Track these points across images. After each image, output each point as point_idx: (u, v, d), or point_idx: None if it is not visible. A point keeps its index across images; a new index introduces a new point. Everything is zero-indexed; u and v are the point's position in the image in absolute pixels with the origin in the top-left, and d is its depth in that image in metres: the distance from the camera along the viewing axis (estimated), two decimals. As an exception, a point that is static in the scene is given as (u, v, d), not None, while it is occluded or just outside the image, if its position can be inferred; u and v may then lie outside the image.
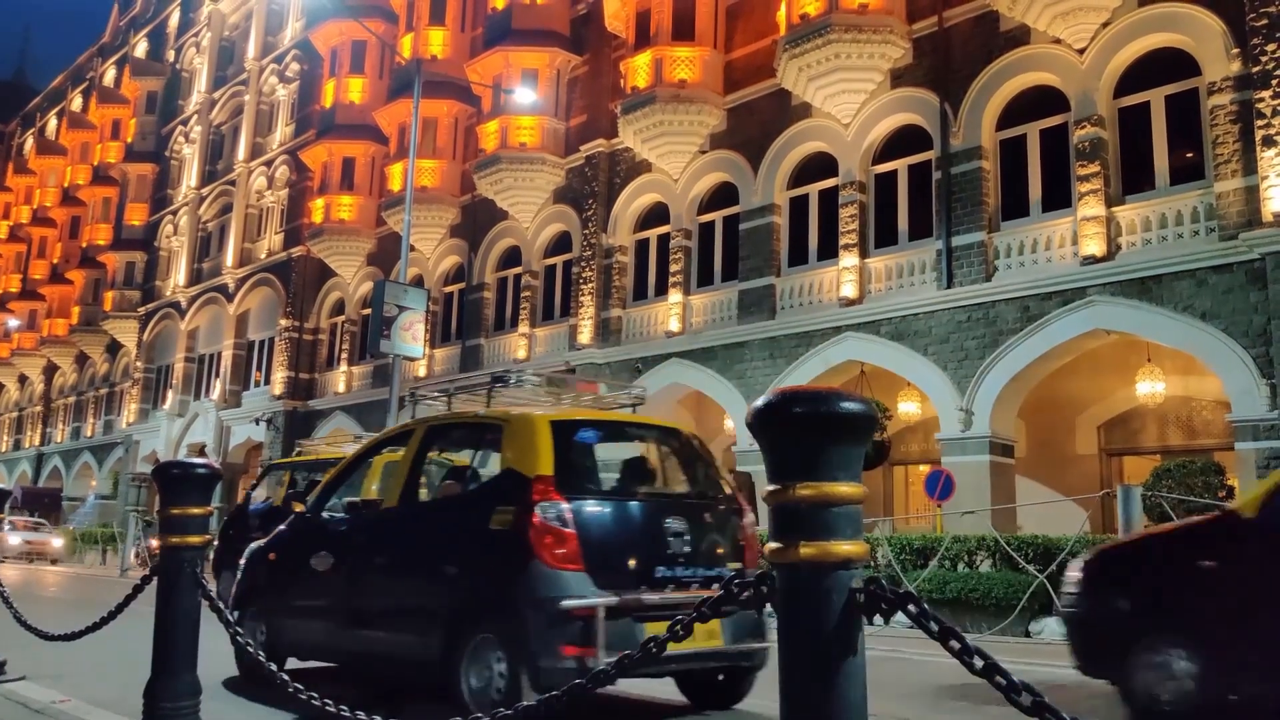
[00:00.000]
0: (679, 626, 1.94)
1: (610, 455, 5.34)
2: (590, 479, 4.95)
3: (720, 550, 4.88)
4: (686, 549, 4.62)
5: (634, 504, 4.89)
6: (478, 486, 5.29)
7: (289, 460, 12.14)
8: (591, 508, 4.56)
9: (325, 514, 5.63)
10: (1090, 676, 5.01)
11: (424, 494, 5.60)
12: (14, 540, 25.45)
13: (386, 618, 4.97)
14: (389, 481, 5.49)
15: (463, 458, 6.29)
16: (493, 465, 5.11)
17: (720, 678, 4.93)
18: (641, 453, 5.35)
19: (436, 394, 5.99)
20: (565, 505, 4.37)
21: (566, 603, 4.19)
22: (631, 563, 4.50)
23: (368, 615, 5.06)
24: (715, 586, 4.45)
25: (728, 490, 5.21)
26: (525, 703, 2.21)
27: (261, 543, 6.08)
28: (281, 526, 6.02)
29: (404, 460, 5.32)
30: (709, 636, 4.47)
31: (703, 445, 5.45)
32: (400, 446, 5.51)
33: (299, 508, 5.86)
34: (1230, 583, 4.60)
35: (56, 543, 26.86)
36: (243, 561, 6.02)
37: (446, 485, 5.57)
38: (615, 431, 5.53)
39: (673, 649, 4.29)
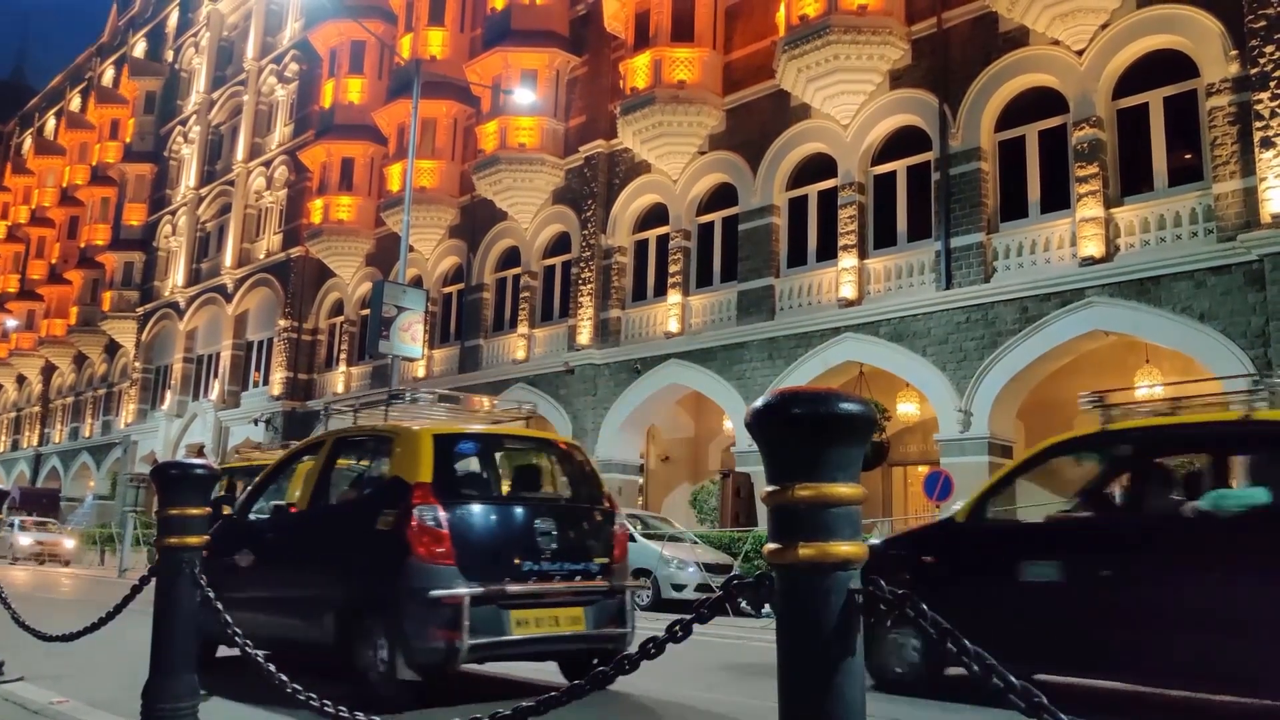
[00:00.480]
0: (678, 628, 1.93)
1: (495, 465, 6.14)
2: (467, 485, 5.58)
3: (587, 547, 5.47)
4: (553, 546, 5.23)
5: (505, 507, 5.50)
6: (370, 492, 5.82)
7: (227, 466, 13.27)
8: (464, 511, 5.13)
9: (252, 515, 6.23)
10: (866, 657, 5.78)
11: (338, 497, 6.19)
12: (25, 541, 25.05)
13: (294, 606, 5.54)
14: (302, 487, 6.07)
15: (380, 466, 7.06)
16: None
17: (595, 661, 5.42)
18: (521, 462, 6.07)
19: (345, 409, 6.51)
20: (440, 508, 4.96)
21: (435, 592, 4.74)
22: (499, 558, 5.07)
23: (280, 604, 5.64)
24: (578, 578, 4.99)
25: (603, 495, 5.82)
26: (534, 700, 2.21)
27: None
28: (214, 527, 6.62)
29: (314, 468, 5.93)
30: (573, 622, 5.19)
31: (582, 455, 6.12)
32: (314, 455, 6.08)
33: (227, 510, 6.38)
34: (945, 574, 5.78)
35: (69, 543, 26.42)
36: None
37: (345, 491, 6.14)
38: (494, 444, 6.19)
39: (541, 632, 4.73)
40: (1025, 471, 6.21)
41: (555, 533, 5.26)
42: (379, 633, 4.89)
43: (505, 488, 5.92)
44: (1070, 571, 5.22)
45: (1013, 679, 1.57)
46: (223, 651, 6.03)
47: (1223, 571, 4.77)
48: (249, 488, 6.52)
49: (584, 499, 5.81)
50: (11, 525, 25.83)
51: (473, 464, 5.96)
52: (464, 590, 4.76)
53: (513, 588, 4.97)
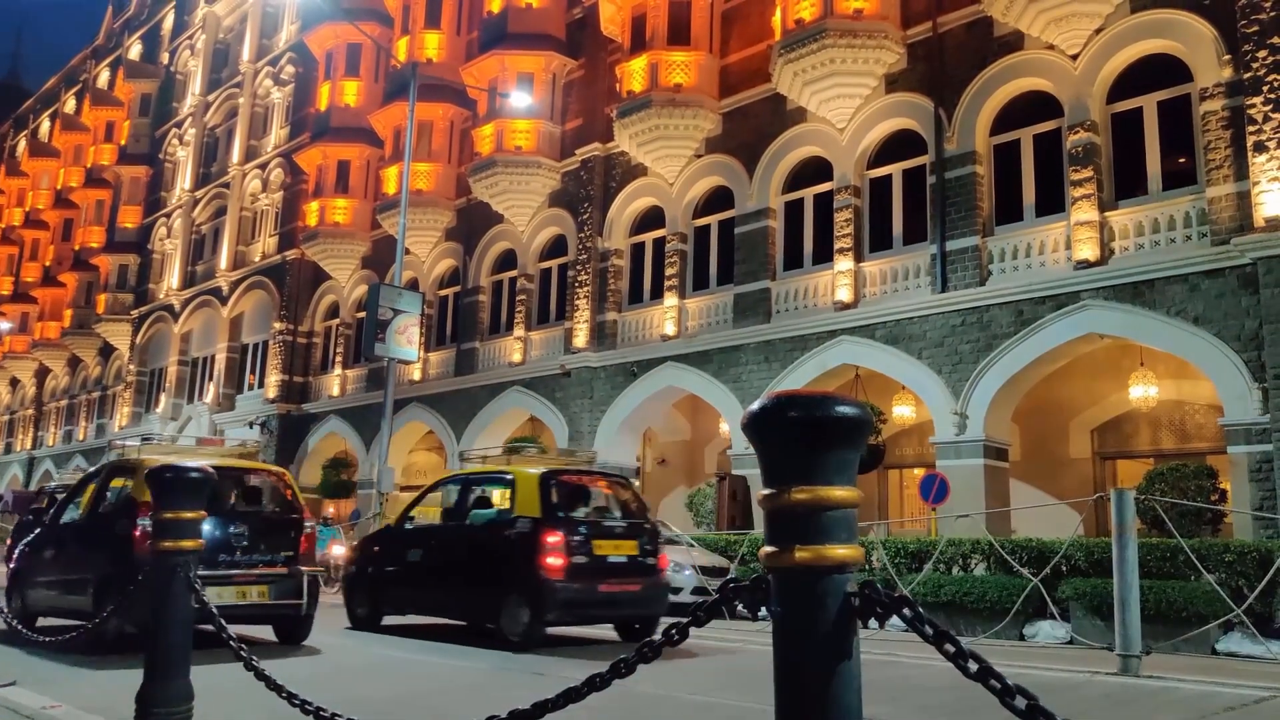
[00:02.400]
0: (675, 631, 1.94)
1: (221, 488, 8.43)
2: None
3: (275, 544, 7.91)
4: (244, 544, 7.72)
5: (210, 517, 7.75)
6: (119, 507, 8.10)
7: (55, 485, 16.61)
8: None
9: (63, 520, 8.64)
10: (348, 609, 9.69)
11: (105, 509, 8.46)
12: None
13: (73, 584, 7.85)
14: (85, 502, 8.51)
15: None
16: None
17: (290, 625, 8.14)
18: (234, 485, 8.44)
19: (120, 445, 9.12)
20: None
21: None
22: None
23: (64, 583, 8.01)
24: (262, 566, 8.35)
25: (295, 505, 8.35)
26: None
27: (23, 540, 9.29)
28: (35, 532, 9.27)
29: (95, 489, 8.41)
30: (260, 595, 7.69)
31: (279, 478, 8.66)
32: (95, 481, 8.61)
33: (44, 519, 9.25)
34: (382, 555, 9.56)
35: None
36: (15, 554, 9.26)
37: (108, 505, 8.31)
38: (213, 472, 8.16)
39: (231, 602, 7.61)
40: (426, 495, 10.18)
41: (249, 534, 7.73)
42: (112, 600, 6.94)
43: (221, 504, 8.21)
44: (420, 553, 9.11)
45: (1009, 681, 1.57)
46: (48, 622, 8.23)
47: (468, 553, 8.83)
48: (60, 501, 9.14)
49: (279, 510, 8.33)
50: None
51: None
52: None
53: (205, 573, 7.11)
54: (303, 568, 7.88)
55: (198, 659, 3.95)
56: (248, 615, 7.73)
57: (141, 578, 6.65)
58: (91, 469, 10.09)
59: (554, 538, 7.96)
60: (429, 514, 11.09)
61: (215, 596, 6.97)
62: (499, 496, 9.30)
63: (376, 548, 9.91)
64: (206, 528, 7.07)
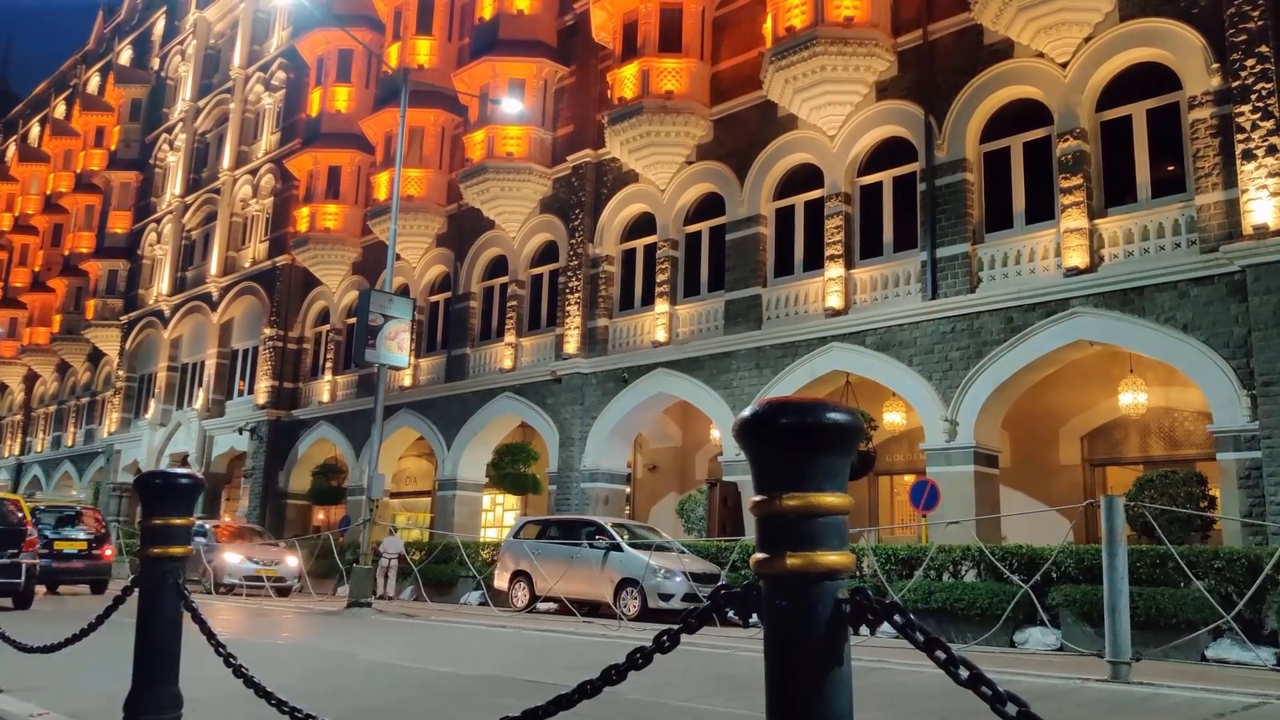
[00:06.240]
0: (665, 638, 1.93)
1: None
2: None
3: (6, 543, 11.54)
4: None
5: None
6: None
7: None
8: None
9: None
10: None
11: None
12: (235, 561, 17.60)
13: None
14: None
15: None
16: None
17: (16, 596, 11.87)
18: None
19: None
20: None
21: None
22: None
23: None
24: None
25: (23, 520, 12.15)
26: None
27: None
28: None
29: None
30: None
31: (15, 503, 12.63)
32: None
33: None
34: None
35: (291, 563, 18.19)
36: None
37: None
38: None
39: None
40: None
41: None
42: None
43: None
44: None
45: (1000, 688, 1.58)
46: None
47: None
48: None
49: (12, 523, 11.92)
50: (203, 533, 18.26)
51: None
52: None
53: None
54: (23, 560, 11.60)
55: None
56: None
57: None
58: None
59: (31, 533, 12.74)
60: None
61: None
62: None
63: None
64: None
